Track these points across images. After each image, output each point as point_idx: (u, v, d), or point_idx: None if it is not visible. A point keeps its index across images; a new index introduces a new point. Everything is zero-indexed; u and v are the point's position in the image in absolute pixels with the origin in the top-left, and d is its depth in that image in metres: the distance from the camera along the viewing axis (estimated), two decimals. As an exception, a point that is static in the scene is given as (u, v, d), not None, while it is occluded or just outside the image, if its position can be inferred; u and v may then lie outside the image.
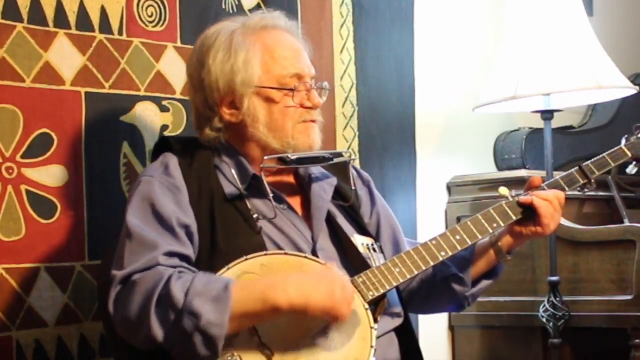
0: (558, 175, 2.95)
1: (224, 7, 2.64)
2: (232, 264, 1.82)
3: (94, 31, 2.35)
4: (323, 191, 2.05)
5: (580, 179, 2.14)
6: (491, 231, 2.04)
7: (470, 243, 2.01)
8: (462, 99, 3.31)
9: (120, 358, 2.07)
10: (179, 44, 2.52)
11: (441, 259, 1.97)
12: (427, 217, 3.21)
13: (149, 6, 2.47)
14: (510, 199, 2.07)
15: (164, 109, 2.49)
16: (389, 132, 3.09)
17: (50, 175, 2.26)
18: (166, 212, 1.88)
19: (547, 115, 3.00)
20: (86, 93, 2.33)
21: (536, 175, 3.09)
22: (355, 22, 3.01)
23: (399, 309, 2.04)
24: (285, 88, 1.99)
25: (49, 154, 2.26)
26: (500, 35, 3.13)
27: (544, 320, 2.91)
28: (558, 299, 2.89)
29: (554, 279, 2.91)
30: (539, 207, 2.03)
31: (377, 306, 1.90)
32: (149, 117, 2.45)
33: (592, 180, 2.14)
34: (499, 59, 3.07)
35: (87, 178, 2.32)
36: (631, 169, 2.26)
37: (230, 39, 2.01)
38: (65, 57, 2.29)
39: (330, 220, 2.04)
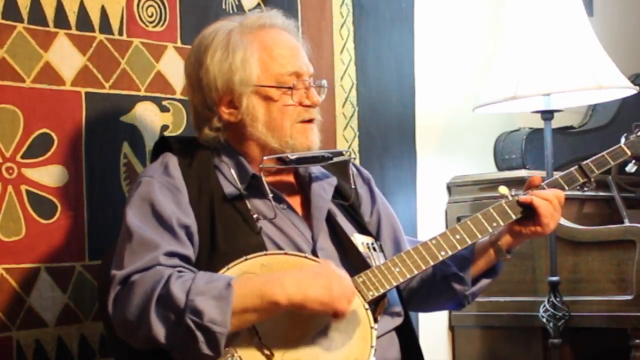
0: (558, 174, 2.96)
1: (224, 7, 2.64)
2: (232, 264, 1.82)
3: (94, 31, 2.35)
4: (323, 190, 2.05)
5: (580, 177, 2.14)
6: (491, 230, 2.04)
7: (470, 242, 2.01)
8: (462, 99, 3.31)
9: (120, 358, 2.07)
10: (179, 44, 2.52)
11: (441, 258, 1.97)
12: (427, 217, 3.21)
13: (149, 6, 2.47)
14: (510, 198, 2.07)
15: (164, 109, 2.49)
16: (389, 132, 3.09)
17: (50, 175, 2.26)
18: (166, 212, 1.87)
19: (547, 115, 3.00)
20: (86, 93, 2.33)
21: (536, 175, 3.11)
22: (355, 22, 3.01)
23: (399, 308, 2.04)
24: (283, 86, 1.99)
25: (49, 154, 2.26)
26: (500, 35, 3.13)
27: (544, 320, 2.91)
28: (558, 299, 2.89)
29: (554, 279, 2.91)
30: (538, 207, 2.03)
31: (377, 306, 1.90)
32: (149, 117, 2.45)
33: (592, 179, 2.14)
34: (499, 59, 3.07)
35: (87, 178, 2.32)
36: (630, 167, 2.26)
37: (227, 38, 2.00)
38: (65, 57, 2.29)
39: (330, 219, 2.03)
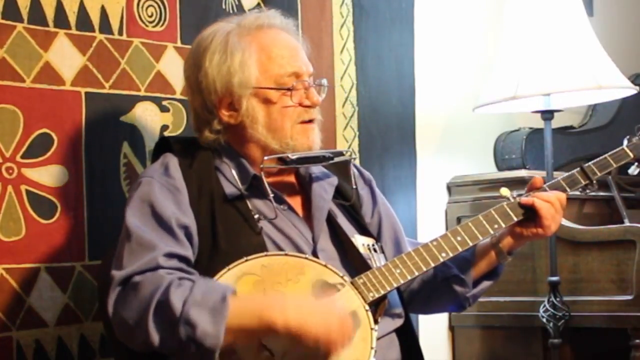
0: (558, 175, 2.96)
1: (224, 7, 2.64)
2: (233, 265, 1.81)
3: (94, 31, 2.35)
4: (324, 191, 2.04)
5: (582, 179, 2.13)
6: (492, 232, 2.03)
7: (471, 244, 2.00)
8: (462, 99, 3.31)
9: (120, 358, 2.07)
10: (179, 44, 2.52)
11: (442, 259, 1.97)
12: (427, 217, 3.21)
13: (149, 6, 2.47)
14: (512, 200, 2.07)
15: (164, 109, 2.49)
16: (389, 132, 3.09)
17: (50, 175, 2.26)
18: (165, 213, 1.87)
19: (547, 115, 3.00)
20: (86, 93, 2.33)
21: (536, 175, 3.11)
22: (355, 22, 3.01)
23: (399, 310, 2.04)
24: (282, 88, 1.98)
25: (48, 154, 2.26)
26: (500, 35, 3.13)
27: (544, 320, 2.91)
28: (558, 299, 2.89)
29: (554, 279, 2.90)
30: (539, 208, 2.03)
31: (378, 307, 1.90)
32: (149, 117, 2.45)
33: (594, 181, 2.14)
34: (499, 59, 3.07)
35: (87, 178, 2.32)
36: (633, 170, 2.26)
37: (225, 40, 2.00)
38: (65, 57, 2.29)
39: (331, 220, 2.03)
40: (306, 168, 2.06)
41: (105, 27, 2.37)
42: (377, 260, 2.00)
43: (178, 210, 1.89)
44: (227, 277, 1.80)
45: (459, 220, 3.23)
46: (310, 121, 2.02)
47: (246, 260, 1.82)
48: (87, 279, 2.30)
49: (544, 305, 2.91)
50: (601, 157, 2.17)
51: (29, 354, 2.20)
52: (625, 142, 2.21)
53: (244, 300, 1.74)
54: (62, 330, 2.26)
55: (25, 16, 2.23)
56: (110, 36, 2.38)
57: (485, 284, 2.14)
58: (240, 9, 2.66)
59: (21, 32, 2.22)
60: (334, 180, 2.08)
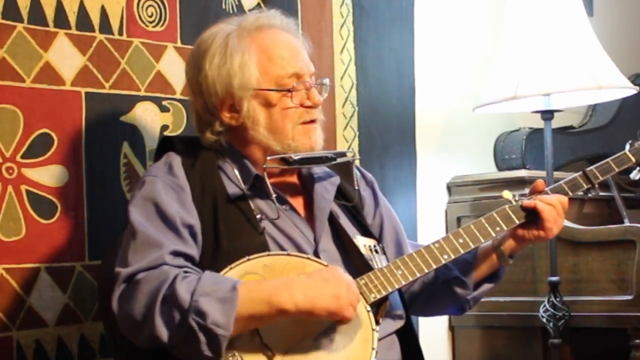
0: (558, 174, 2.97)
1: (224, 7, 2.64)
2: (235, 264, 1.81)
3: (94, 31, 2.35)
4: (325, 191, 2.04)
5: (584, 183, 2.14)
6: (494, 235, 2.04)
7: (473, 246, 2.00)
8: (462, 99, 3.31)
9: (120, 358, 2.07)
10: (179, 44, 2.52)
11: (444, 261, 1.97)
12: (427, 217, 3.21)
13: (149, 6, 2.47)
14: (514, 203, 2.06)
15: (164, 109, 2.49)
16: (389, 132, 3.09)
17: (50, 175, 2.26)
18: (170, 212, 1.87)
19: (547, 115, 3.00)
20: (86, 93, 2.33)
21: (536, 175, 3.11)
22: (355, 22, 3.01)
23: (400, 311, 2.04)
24: (283, 89, 1.98)
25: (49, 154, 2.26)
26: (500, 35, 3.13)
27: (544, 320, 2.91)
28: (558, 299, 2.89)
29: (554, 279, 2.90)
30: (542, 211, 2.03)
31: (379, 308, 1.90)
32: (149, 117, 2.45)
33: (596, 185, 2.14)
34: (499, 59, 3.07)
35: (87, 178, 2.32)
36: (635, 174, 2.27)
37: (225, 42, 1.99)
38: (65, 57, 2.29)
39: (333, 221, 2.03)
40: (308, 168, 2.06)
41: (105, 27, 2.37)
42: (378, 262, 1.99)
43: (182, 209, 1.89)
44: (229, 276, 1.80)
45: (459, 220, 3.23)
46: (312, 121, 2.01)
47: (248, 260, 1.82)
48: (87, 279, 2.30)
49: (544, 305, 2.91)
50: (603, 162, 2.17)
51: (29, 354, 2.20)
52: (628, 146, 2.22)
53: (250, 287, 1.74)
54: (62, 330, 2.26)
55: (25, 16, 2.23)
56: (110, 36, 2.38)
57: (486, 286, 2.14)
58: (240, 9, 2.66)
59: (21, 32, 2.22)
60: (336, 179, 2.08)
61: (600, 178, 2.15)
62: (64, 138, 2.28)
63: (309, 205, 2.03)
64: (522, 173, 3.21)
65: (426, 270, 1.95)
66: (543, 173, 2.98)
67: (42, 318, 2.23)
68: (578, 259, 2.95)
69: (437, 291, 2.14)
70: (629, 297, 2.81)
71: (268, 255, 1.85)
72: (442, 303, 2.17)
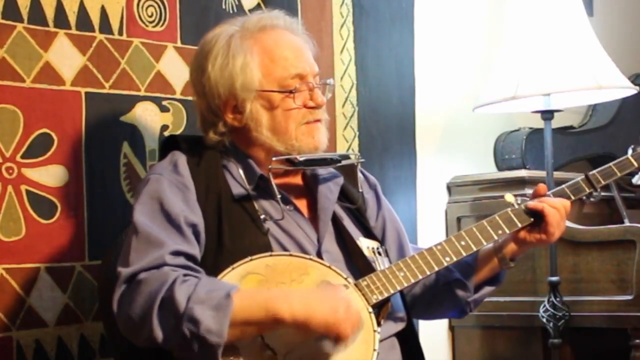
0: (558, 174, 2.97)
1: (224, 7, 2.64)
2: (237, 264, 1.81)
3: (94, 31, 2.35)
4: (329, 191, 2.04)
5: (586, 187, 2.14)
6: (496, 238, 2.04)
7: (475, 249, 2.00)
8: (462, 99, 3.31)
9: (120, 358, 2.07)
10: (179, 44, 2.52)
11: (445, 264, 1.97)
12: (427, 217, 3.21)
13: (149, 6, 2.47)
14: (516, 206, 2.06)
15: (164, 109, 2.49)
16: (389, 132, 3.09)
17: (50, 175, 2.26)
18: (174, 210, 1.87)
19: (547, 115, 3.00)
20: (86, 93, 2.33)
21: (536, 175, 3.12)
22: (355, 22, 3.01)
23: (402, 314, 2.04)
24: (285, 90, 1.98)
25: (49, 154, 2.26)
26: (500, 35, 3.13)
27: (544, 320, 2.91)
28: (558, 299, 2.89)
29: (554, 279, 2.90)
30: (548, 214, 2.03)
31: (381, 310, 1.89)
32: (149, 117, 2.45)
33: (598, 189, 2.14)
34: (499, 59, 3.07)
35: (87, 178, 2.32)
36: (637, 179, 2.28)
37: (227, 43, 1.99)
38: (65, 57, 2.29)
39: (337, 222, 2.03)
40: (312, 169, 2.06)
41: (105, 27, 2.37)
42: (381, 263, 1.98)
43: (186, 208, 1.89)
44: (231, 276, 1.80)
45: (459, 220, 3.23)
46: (316, 121, 2.01)
47: (250, 260, 1.82)
48: (87, 279, 2.30)
49: (544, 305, 2.91)
50: (606, 166, 2.18)
51: (29, 354, 2.20)
52: (630, 151, 2.22)
53: (248, 294, 1.74)
54: (62, 330, 2.26)
55: (25, 16, 2.23)
56: (110, 36, 2.38)
57: (487, 289, 2.14)
58: (240, 9, 2.66)
59: (21, 32, 2.22)
60: (340, 179, 2.08)
61: (603, 182, 2.15)
62: (64, 138, 2.28)
63: (313, 206, 2.03)
64: (522, 173, 3.21)
65: (428, 272, 1.95)
66: (543, 173, 2.98)
67: (42, 318, 2.23)
68: (578, 259, 2.95)
69: (438, 294, 2.14)
70: (629, 297, 2.81)
71: (271, 255, 1.85)
72: (443, 305, 2.17)
